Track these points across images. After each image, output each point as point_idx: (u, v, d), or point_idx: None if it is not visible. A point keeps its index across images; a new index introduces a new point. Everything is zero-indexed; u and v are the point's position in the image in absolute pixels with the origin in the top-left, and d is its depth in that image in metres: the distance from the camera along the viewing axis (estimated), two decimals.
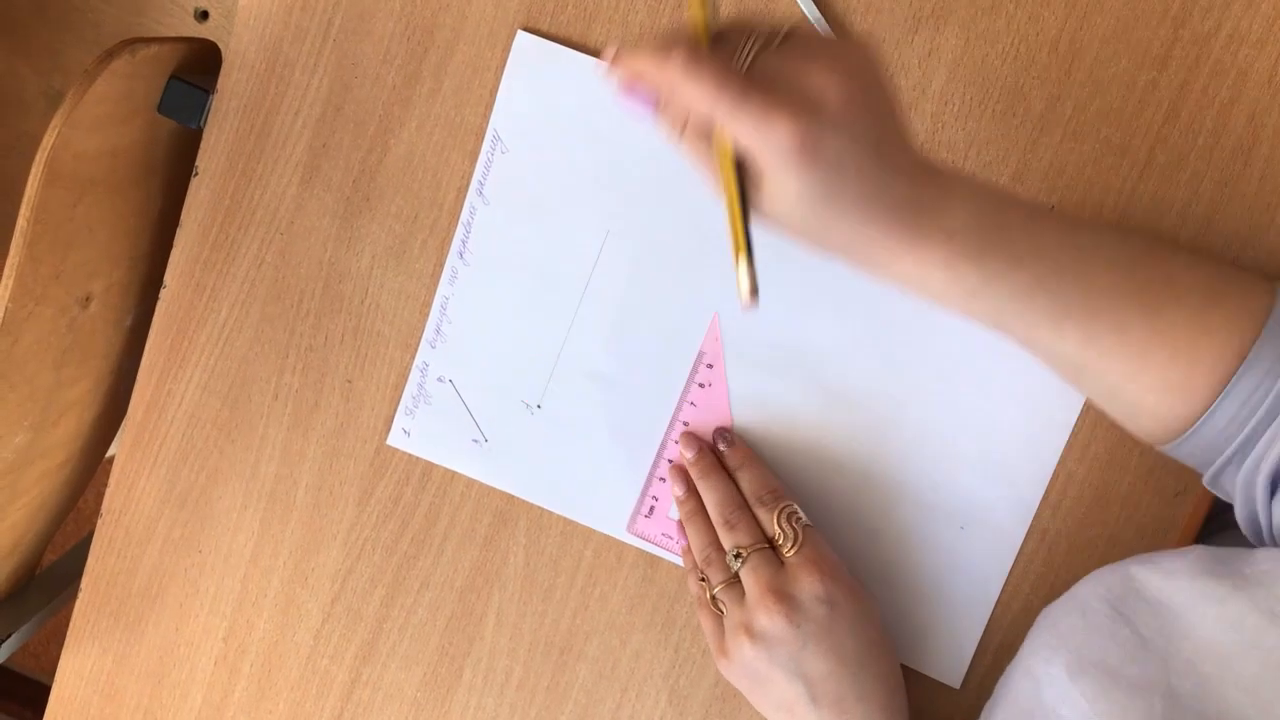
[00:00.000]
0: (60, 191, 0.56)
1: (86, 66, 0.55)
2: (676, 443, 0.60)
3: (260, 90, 0.61)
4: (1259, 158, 0.54)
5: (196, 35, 0.86)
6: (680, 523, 0.60)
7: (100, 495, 0.66)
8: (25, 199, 0.54)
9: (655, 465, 0.61)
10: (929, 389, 0.58)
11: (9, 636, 0.70)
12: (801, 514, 0.56)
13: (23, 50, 0.91)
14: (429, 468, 0.63)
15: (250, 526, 0.65)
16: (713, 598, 0.56)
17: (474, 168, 0.60)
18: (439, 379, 0.62)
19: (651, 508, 0.61)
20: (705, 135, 0.43)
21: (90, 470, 0.75)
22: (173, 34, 0.89)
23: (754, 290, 0.42)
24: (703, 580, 0.57)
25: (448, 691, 0.64)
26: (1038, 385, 0.57)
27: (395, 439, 0.63)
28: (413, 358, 0.62)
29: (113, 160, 0.60)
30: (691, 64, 0.40)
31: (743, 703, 0.61)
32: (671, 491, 0.60)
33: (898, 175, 0.43)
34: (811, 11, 0.56)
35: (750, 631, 0.53)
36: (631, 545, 0.62)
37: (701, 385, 0.60)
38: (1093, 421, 0.57)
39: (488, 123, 0.60)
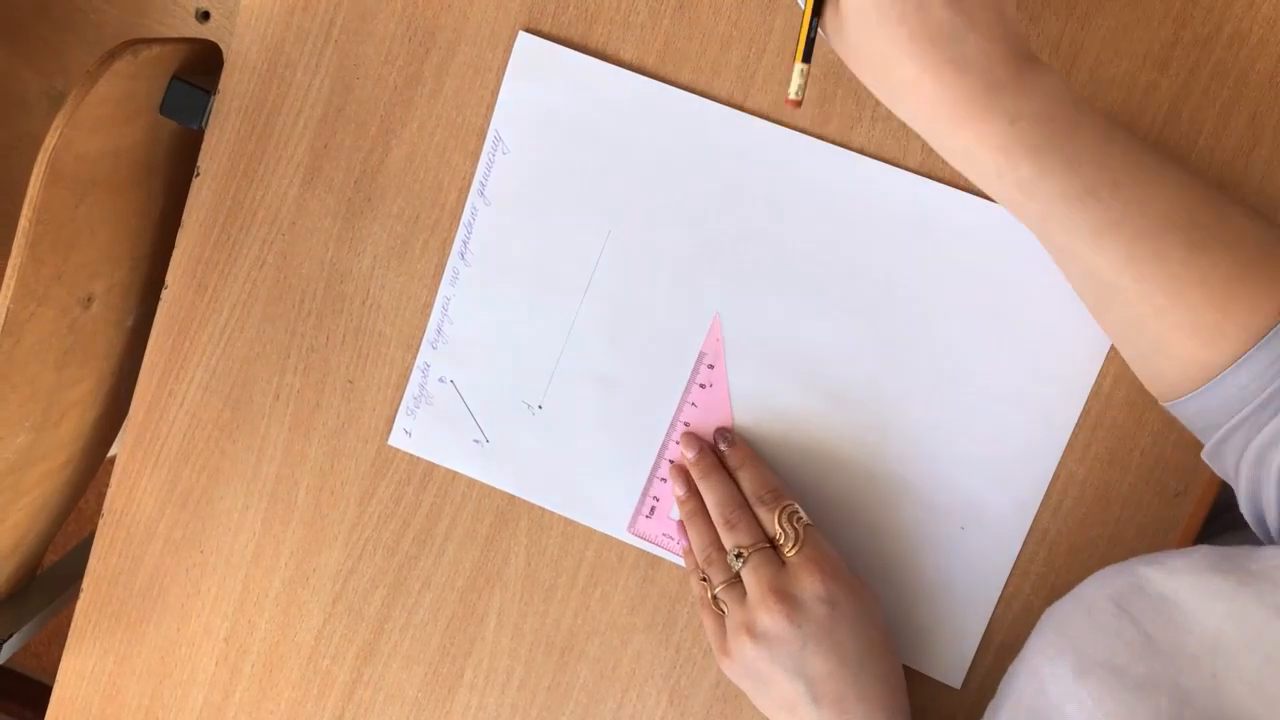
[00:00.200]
0: (62, 192, 0.56)
1: (88, 67, 0.55)
2: (677, 443, 0.60)
3: (262, 91, 0.61)
4: (1259, 159, 0.54)
5: (198, 36, 0.86)
6: (681, 523, 0.60)
7: (101, 495, 0.66)
8: (27, 199, 0.54)
9: (656, 465, 0.61)
10: (930, 389, 0.58)
11: (10, 637, 0.70)
12: (802, 513, 0.56)
13: (25, 51, 0.91)
14: (430, 468, 0.63)
15: (252, 527, 0.65)
16: (714, 597, 0.56)
17: (475, 168, 0.60)
18: (440, 379, 0.62)
19: (652, 508, 0.61)
20: None
21: (91, 470, 0.75)
22: (174, 35, 0.90)
23: (799, 98, 0.47)
24: (704, 580, 0.57)
25: (449, 691, 0.64)
26: (1039, 385, 0.57)
27: (396, 439, 0.63)
28: (414, 358, 0.62)
29: (114, 161, 0.60)
30: None
31: (743, 703, 0.61)
32: (672, 491, 0.60)
33: (979, 34, 0.43)
34: None
35: (751, 631, 0.53)
36: (632, 545, 0.62)
37: (702, 385, 0.60)
38: (1093, 422, 0.57)
39: (489, 123, 0.60)
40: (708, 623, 0.57)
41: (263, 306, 0.63)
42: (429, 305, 0.62)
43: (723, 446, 0.59)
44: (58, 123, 0.54)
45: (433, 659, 0.64)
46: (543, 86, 0.59)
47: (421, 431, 0.63)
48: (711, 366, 0.60)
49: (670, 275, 0.59)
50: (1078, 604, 0.45)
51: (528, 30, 0.59)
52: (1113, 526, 0.57)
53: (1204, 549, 0.44)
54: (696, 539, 0.58)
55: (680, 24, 0.57)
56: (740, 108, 0.57)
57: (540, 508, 0.62)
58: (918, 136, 0.56)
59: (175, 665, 0.67)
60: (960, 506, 0.58)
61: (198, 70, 0.63)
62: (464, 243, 0.61)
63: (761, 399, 0.59)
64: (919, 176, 0.56)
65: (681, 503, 0.59)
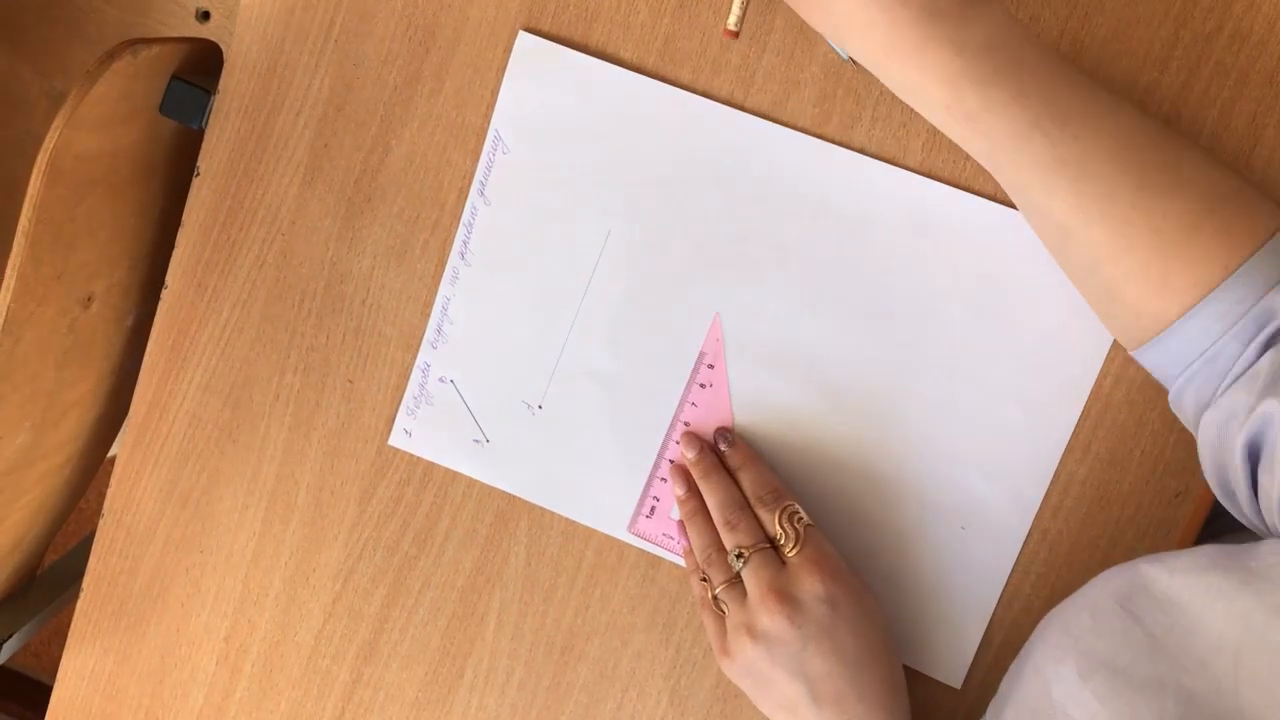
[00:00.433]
0: (62, 192, 0.56)
1: (88, 67, 0.55)
2: (677, 443, 0.60)
3: (262, 90, 0.61)
4: (1260, 158, 0.54)
5: (198, 36, 0.86)
6: (681, 523, 0.60)
7: (101, 495, 0.66)
8: (27, 199, 0.54)
9: (656, 465, 0.61)
10: (930, 388, 0.58)
11: (10, 636, 0.70)
12: (803, 513, 0.56)
13: (25, 50, 0.91)
14: (430, 468, 0.63)
15: (252, 526, 0.65)
16: (714, 598, 0.56)
17: (475, 168, 0.60)
18: (440, 379, 0.62)
19: (653, 508, 0.61)
20: None
21: (91, 470, 0.75)
22: (174, 34, 0.90)
23: (737, 29, 0.46)
24: (704, 580, 0.57)
25: (449, 691, 0.64)
26: (1039, 385, 0.57)
27: (396, 439, 0.63)
28: (414, 358, 0.62)
29: (114, 160, 0.60)
30: None
31: (743, 704, 0.61)
32: (673, 491, 0.60)
33: None
34: None
35: (752, 631, 0.53)
36: (632, 545, 0.62)
37: (702, 385, 0.60)
38: (1094, 422, 0.57)
39: (489, 123, 0.60)
40: (708, 623, 0.57)
41: (263, 306, 0.63)
42: (429, 305, 0.62)
43: (723, 446, 0.59)
44: (58, 122, 0.54)
45: (433, 659, 0.64)
46: (543, 86, 0.59)
47: (421, 431, 0.63)
48: (711, 366, 0.60)
49: (670, 275, 0.59)
50: (1082, 604, 0.45)
51: (527, 30, 0.59)
52: (1113, 526, 0.57)
53: (1208, 547, 0.43)
54: (697, 539, 0.58)
55: (680, 24, 0.57)
56: (740, 107, 0.57)
57: (540, 508, 0.62)
58: (918, 136, 0.56)
59: (175, 665, 0.67)
60: (960, 506, 0.58)
61: (198, 70, 0.63)
62: (464, 242, 0.61)
63: (761, 399, 0.59)
64: (919, 176, 0.56)
65: (682, 503, 0.59)
